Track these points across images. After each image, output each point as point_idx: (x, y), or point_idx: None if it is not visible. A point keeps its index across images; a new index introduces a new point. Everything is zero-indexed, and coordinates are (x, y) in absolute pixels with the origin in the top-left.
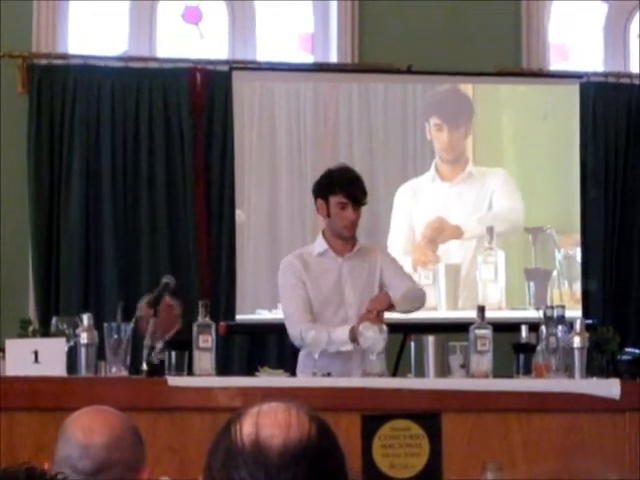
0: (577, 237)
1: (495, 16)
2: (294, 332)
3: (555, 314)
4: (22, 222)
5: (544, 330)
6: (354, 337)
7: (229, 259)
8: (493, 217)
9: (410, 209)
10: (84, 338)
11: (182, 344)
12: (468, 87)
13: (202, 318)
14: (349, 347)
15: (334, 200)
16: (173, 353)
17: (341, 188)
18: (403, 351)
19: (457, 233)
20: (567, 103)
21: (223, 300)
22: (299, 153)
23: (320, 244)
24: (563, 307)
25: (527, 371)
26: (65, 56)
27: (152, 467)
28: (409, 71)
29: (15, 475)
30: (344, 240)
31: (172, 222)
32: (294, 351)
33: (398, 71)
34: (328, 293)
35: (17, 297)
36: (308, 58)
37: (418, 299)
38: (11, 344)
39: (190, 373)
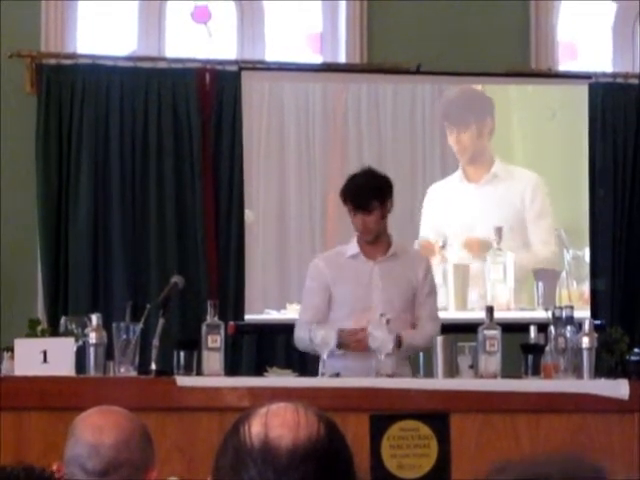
0: (586, 237)
1: (504, 16)
2: (296, 334)
3: (564, 314)
4: (31, 222)
5: (553, 330)
6: (340, 343)
7: (238, 259)
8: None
9: (438, 210)
10: (93, 338)
11: (191, 344)
12: (477, 87)
13: (211, 318)
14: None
15: (347, 208)
16: (182, 353)
17: (348, 198)
18: None
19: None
20: (576, 103)
21: (232, 300)
22: (308, 153)
23: (353, 247)
24: (572, 307)
25: (536, 372)
26: (74, 56)
27: (161, 467)
28: (418, 71)
29: (14, 474)
30: (371, 244)
31: (181, 222)
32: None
33: (407, 71)
34: (355, 296)
35: (26, 297)
36: (317, 58)
37: (420, 348)
38: (20, 344)
39: (199, 373)
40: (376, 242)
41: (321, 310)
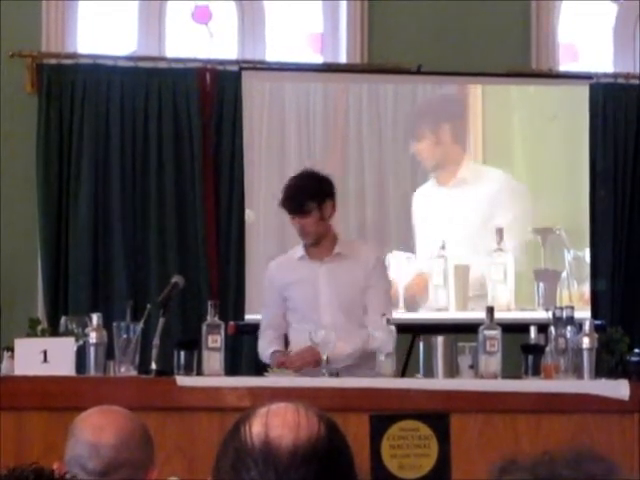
0: (586, 237)
1: (505, 16)
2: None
3: (564, 315)
4: (31, 222)
5: (553, 331)
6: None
7: (238, 259)
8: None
9: (419, 214)
10: (93, 338)
11: (191, 344)
12: (477, 88)
13: (211, 318)
14: None
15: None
16: (182, 353)
17: (282, 202)
18: (412, 351)
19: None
20: (577, 104)
21: (232, 300)
22: (308, 153)
23: (299, 249)
24: (572, 308)
25: (536, 372)
26: (74, 56)
27: (161, 467)
28: (419, 72)
29: (23, 476)
30: (315, 246)
31: (181, 222)
32: None
33: (407, 71)
34: (304, 298)
35: (26, 296)
36: (317, 58)
37: (363, 355)
38: (20, 344)
39: (199, 373)
40: (320, 244)
41: (276, 315)
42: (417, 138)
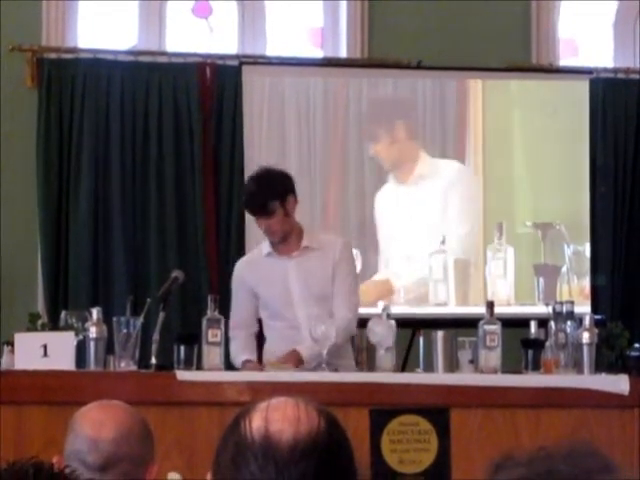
0: (586, 233)
1: (505, 11)
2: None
3: (564, 310)
4: (31, 216)
5: (553, 326)
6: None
7: (238, 253)
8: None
9: (378, 212)
10: (93, 332)
11: (191, 338)
12: (477, 82)
13: (211, 312)
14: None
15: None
16: (182, 347)
17: (245, 206)
18: (412, 346)
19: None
20: (577, 99)
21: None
22: (308, 148)
23: (266, 246)
24: (572, 303)
25: (536, 367)
26: (74, 50)
27: (161, 461)
28: (419, 66)
29: (23, 470)
30: (282, 243)
31: (181, 217)
32: None
33: (408, 66)
34: (275, 294)
35: (26, 291)
36: (318, 53)
37: (332, 351)
38: (20, 338)
39: (199, 368)
40: (287, 239)
41: (248, 313)
42: (373, 139)
